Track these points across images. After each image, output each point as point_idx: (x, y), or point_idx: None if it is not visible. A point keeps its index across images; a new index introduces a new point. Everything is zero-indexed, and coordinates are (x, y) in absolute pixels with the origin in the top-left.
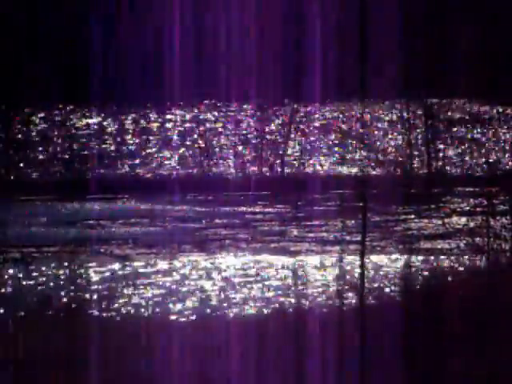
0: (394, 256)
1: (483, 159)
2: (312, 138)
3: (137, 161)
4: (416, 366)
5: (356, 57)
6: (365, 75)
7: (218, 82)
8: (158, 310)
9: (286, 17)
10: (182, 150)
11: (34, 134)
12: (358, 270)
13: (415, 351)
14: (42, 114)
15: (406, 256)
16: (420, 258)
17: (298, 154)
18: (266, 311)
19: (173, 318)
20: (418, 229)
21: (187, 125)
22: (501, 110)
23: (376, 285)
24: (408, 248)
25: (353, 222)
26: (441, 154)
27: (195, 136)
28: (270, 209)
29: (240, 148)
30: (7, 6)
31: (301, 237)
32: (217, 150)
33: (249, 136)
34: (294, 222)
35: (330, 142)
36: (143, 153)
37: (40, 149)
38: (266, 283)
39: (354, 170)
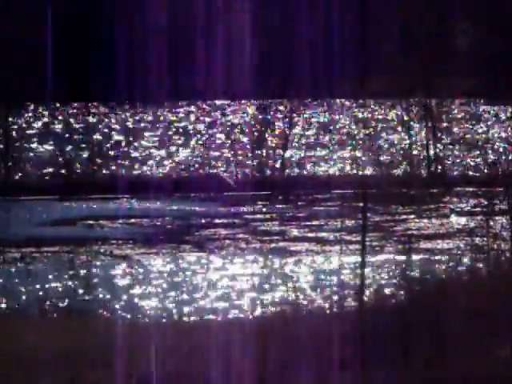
0: (393, 256)
1: (483, 159)
2: (311, 138)
3: (136, 161)
4: (415, 366)
5: (356, 57)
6: (365, 75)
7: (218, 80)
8: (157, 309)
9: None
10: (181, 150)
11: (33, 134)
12: (357, 270)
13: (415, 351)
14: (41, 115)
15: (405, 256)
16: (420, 258)
17: (297, 153)
18: (264, 312)
19: (172, 318)
20: (418, 229)
21: (186, 125)
22: (501, 109)
23: (376, 285)
24: (408, 248)
25: (353, 221)
26: (441, 154)
27: (195, 136)
28: (270, 209)
29: (239, 147)
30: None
31: (301, 237)
32: (216, 150)
33: (248, 136)
34: (294, 222)
35: (330, 142)
36: (143, 153)
37: (40, 149)
38: (266, 283)
39: (354, 170)
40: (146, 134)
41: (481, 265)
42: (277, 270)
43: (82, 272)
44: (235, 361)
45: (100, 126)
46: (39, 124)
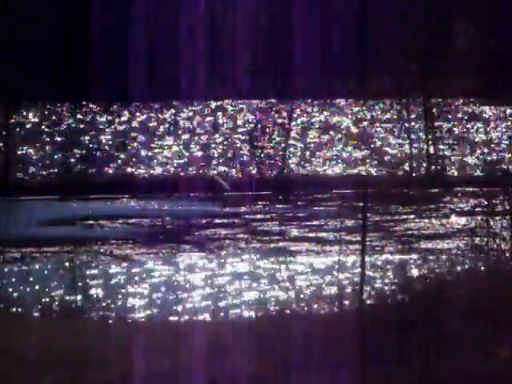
0: (393, 256)
1: (483, 159)
2: (311, 138)
3: (136, 161)
4: (415, 366)
5: (356, 57)
6: (365, 75)
7: (216, 80)
8: (158, 309)
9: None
10: (181, 150)
11: (33, 134)
12: (357, 270)
13: (414, 351)
14: (41, 115)
15: (405, 256)
16: (420, 257)
17: (297, 153)
18: (264, 311)
19: (172, 318)
20: (418, 229)
21: (186, 125)
22: (501, 109)
23: (376, 284)
24: (408, 248)
25: (353, 221)
26: (441, 154)
27: (195, 136)
28: (270, 209)
29: (240, 148)
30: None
31: (301, 237)
32: (216, 150)
33: (248, 136)
34: (294, 222)
35: (330, 142)
36: (143, 153)
37: (40, 149)
38: (265, 283)
39: (354, 170)
40: (147, 134)
41: (481, 265)
42: (276, 270)
43: (82, 272)
44: (234, 361)
45: (100, 126)
46: (39, 124)
